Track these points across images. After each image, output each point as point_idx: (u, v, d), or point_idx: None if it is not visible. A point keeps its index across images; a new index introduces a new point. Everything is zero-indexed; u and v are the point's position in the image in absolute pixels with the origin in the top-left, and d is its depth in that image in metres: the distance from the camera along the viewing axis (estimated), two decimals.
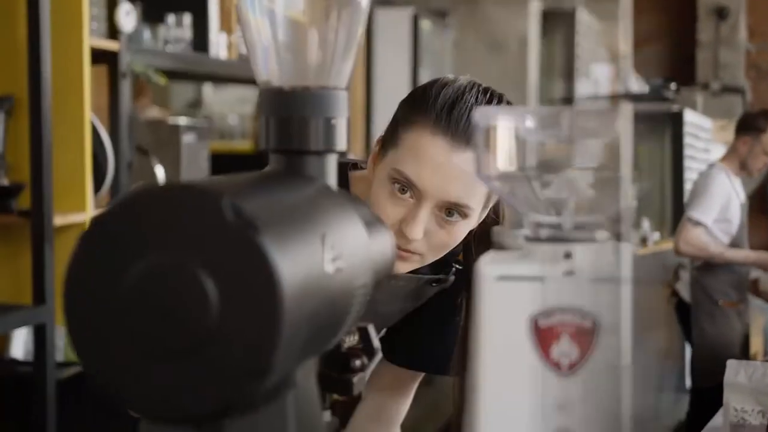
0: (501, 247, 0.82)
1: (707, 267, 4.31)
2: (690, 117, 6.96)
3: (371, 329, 0.91)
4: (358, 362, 0.84)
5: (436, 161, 1.22)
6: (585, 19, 7.45)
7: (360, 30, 0.85)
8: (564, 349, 0.68)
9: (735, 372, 1.97)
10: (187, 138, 3.01)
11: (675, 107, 6.60)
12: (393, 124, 1.30)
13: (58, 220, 2.41)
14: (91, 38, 2.54)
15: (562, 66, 7.33)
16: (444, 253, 1.30)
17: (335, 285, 0.69)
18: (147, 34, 2.94)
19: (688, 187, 7.09)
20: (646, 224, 6.30)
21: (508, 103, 1.29)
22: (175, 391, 0.62)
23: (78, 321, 0.63)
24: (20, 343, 2.63)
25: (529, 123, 0.71)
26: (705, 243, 4.21)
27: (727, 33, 9.28)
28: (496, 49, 5.40)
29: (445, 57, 5.37)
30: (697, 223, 4.17)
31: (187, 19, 3.04)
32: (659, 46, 7.83)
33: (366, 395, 1.49)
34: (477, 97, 1.25)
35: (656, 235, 6.12)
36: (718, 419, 2.12)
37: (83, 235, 0.63)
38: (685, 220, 4.23)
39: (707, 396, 4.25)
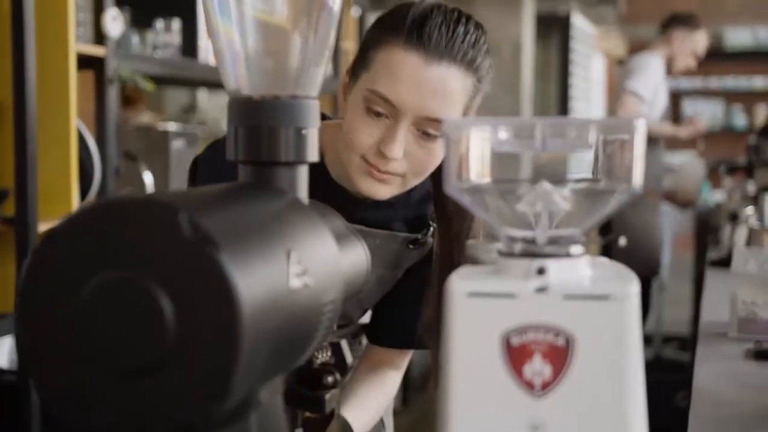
0: (475, 262, 0.80)
1: None
2: (577, 21, 7.05)
3: (344, 344, 0.88)
4: (330, 379, 0.82)
5: (410, 76, 1.21)
6: (579, 24, 7.44)
7: (332, 36, 0.83)
8: (537, 368, 0.65)
9: (744, 261, 1.85)
10: (177, 144, 2.98)
11: (563, 10, 6.69)
12: (362, 50, 1.28)
13: (43, 227, 2.38)
14: (78, 44, 2.52)
15: (558, 68, 7.34)
16: (424, 176, 1.27)
17: (301, 301, 0.67)
18: (135, 39, 2.91)
19: (572, 93, 7.26)
20: None
21: (478, 26, 1.27)
22: (132, 412, 0.60)
23: (31, 339, 0.61)
24: (5, 352, 2.61)
25: (502, 134, 0.69)
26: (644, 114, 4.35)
27: None
28: (490, 54, 5.37)
29: None
30: (636, 95, 4.27)
31: (176, 24, 3.01)
32: None
33: (360, 368, 1.47)
34: (446, 15, 1.24)
35: None
36: (720, 315, 1.98)
37: (36, 248, 0.60)
38: (624, 94, 4.31)
39: None
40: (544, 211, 0.69)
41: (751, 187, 4.07)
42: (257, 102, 0.79)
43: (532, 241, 0.69)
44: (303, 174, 0.80)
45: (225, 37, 0.80)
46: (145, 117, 4.12)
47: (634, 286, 0.66)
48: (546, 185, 0.70)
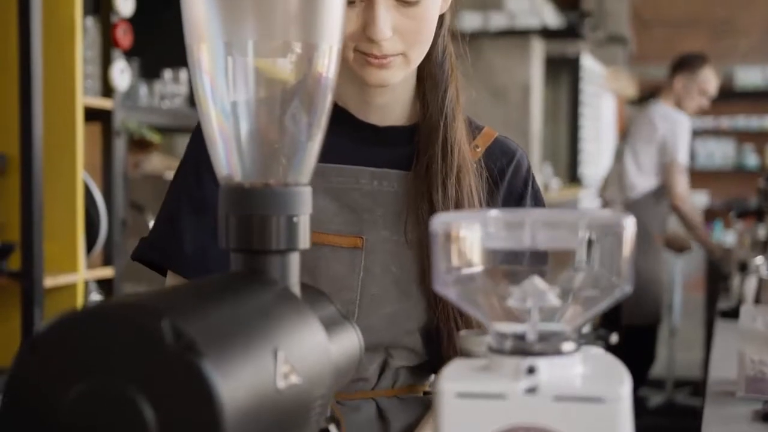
0: (466, 354, 0.79)
1: (641, 200, 4.35)
2: (587, 62, 7.07)
3: (333, 429, 0.87)
4: None
5: None
6: (589, 65, 7.47)
7: (324, 119, 0.82)
8: None
9: (751, 318, 1.81)
10: None
11: (572, 52, 6.70)
12: None
13: (49, 282, 2.38)
14: (85, 97, 2.53)
15: (567, 110, 7.35)
16: (425, 44, 1.18)
17: (289, 400, 0.66)
18: (143, 89, 2.93)
19: (582, 135, 7.26)
20: (548, 169, 6.34)
21: None
22: None
23: None
24: None
25: (491, 229, 0.68)
26: (695, 208, 4.39)
27: None
28: (499, 97, 5.40)
29: None
30: (685, 167, 4.29)
31: (184, 74, 3.03)
32: None
33: None
34: None
35: (557, 182, 6.20)
36: (729, 372, 1.93)
37: (19, 355, 0.60)
38: (676, 167, 4.28)
39: (635, 334, 4.27)
40: (534, 308, 0.68)
41: (762, 231, 4.04)
42: (248, 190, 0.78)
43: (522, 338, 0.68)
44: (294, 261, 0.80)
45: (217, 124, 0.80)
46: (156, 160, 4.14)
47: (626, 387, 0.65)
48: (537, 281, 0.69)
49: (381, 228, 1.22)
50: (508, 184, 1.29)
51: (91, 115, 2.61)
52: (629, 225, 0.66)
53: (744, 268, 3.28)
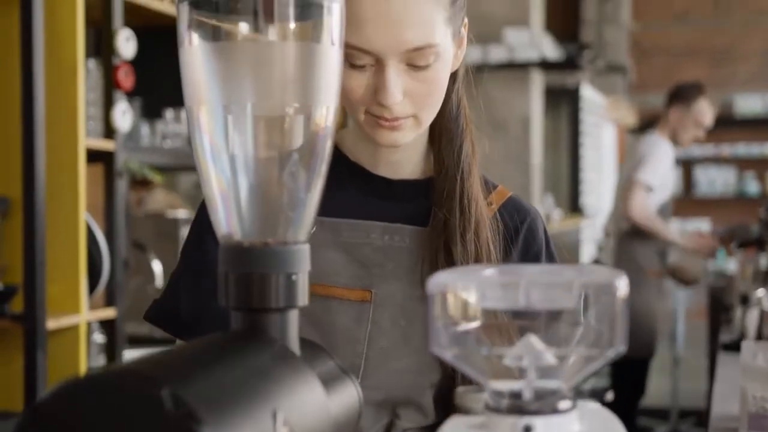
0: (464, 411, 0.80)
1: (634, 233, 4.32)
2: (587, 93, 7.10)
3: None
4: None
5: (372, 15, 1.10)
6: (588, 95, 7.50)
7: (321, 179, 0.83)
8: None
9: (752, 354, 1.80)
10: (186, 231, 2.99)
11: (572, 83, 6.72)
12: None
13: (52, 324, 2.39)
14: (88, 138, 2.55)
15: (568, 140, 7.38)
16: (435, 106, 1.17)
17: None
18: (145, 129, 2.95)
19: (583, 164, 7.27)
20: (549, 200, 6.34)
21: None
22: None
23: None
24: None
25: (486, 289, 0.69)
26: (653, 215, 4.30)
27: (611, 11, 9.46)
28: (499, 129, 5.42)
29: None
30: (646, 186, 4.24)
31: (185, 114, 3.05)
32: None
33: None
34: None
35: (558, 212, 6.20)
36: (732, 408, 1.93)
37: (20, 423, 0.61)
38: (634, 185, 4.26)
39: (629, 368, 4.25)
40: (531, 366, 0.69)
41: (764, 261, 4.04)
42: (247, 249, 0.79)
43: (518, 396, 0.69)
44: (293, 318, 0.81)
45: (216, 183, 0.81)
46: (159, 197, 4.15)
47: None
48: (533, 339, 0.70)
49: (392, 282, 1.21)
50: (523, 244, 1.28)
51: (93, 156, 2.63)
52: (622, 285, 0.67)
53: (745, 300, 3.28)
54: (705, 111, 4.50)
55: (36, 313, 2.33)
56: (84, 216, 2.50)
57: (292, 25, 0.78)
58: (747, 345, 1.90)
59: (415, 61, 1.13)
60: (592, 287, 0.68)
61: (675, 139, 4.48)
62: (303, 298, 0.80)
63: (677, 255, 4.70)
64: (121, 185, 2.68)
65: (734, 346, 2.84)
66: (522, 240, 1.28)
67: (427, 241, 1.22)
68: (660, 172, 4.30)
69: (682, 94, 4.47)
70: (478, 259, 1.19)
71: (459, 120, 1.26)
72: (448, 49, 1.16)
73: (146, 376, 0.60)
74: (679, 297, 5.84)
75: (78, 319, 2.49)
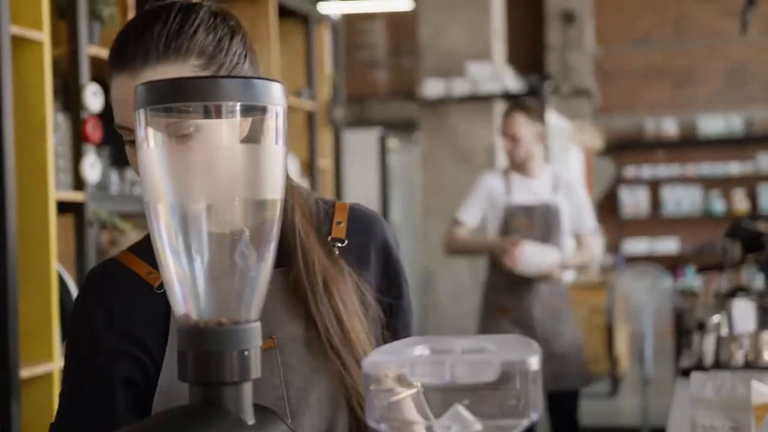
0: None
1: (489, 280, 4.12)
2: (551, 119, 7.24)
3: None
4: None
5: (125, 95, 1.17)
6: (553, 121, 7.64)
7: (269, 264, 0.91)
8: None
9: (701, 385, 1.88)
10: None
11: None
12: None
13: (25, 373, 2.45)
14: (57, 191, 2.62)
15: None
16: None
17: None
18: (114, 177, 3.02)
19: None
20: None
21: (180, 11, 1.20)
22: None
23: None
24: None
25: (416, 368, 0.77)
26: (459, 237, 4.05)
27: (575, 36, 9.65)
28: (464, 159, 5.52)
29: (413, 169, 5.50)
30: (456, 222, 4.08)
31: None
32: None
33: None
34: (140, 21, 1.20)
35: None
36: None
37: None
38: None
39: (558, 399, 4.20)
40: None
41: (725, 283, 4.14)
42: (203, 329, 0.87)
43: None
44: (247, 390, 0.88)
45: (174, 269, 0.89)
46: (131, 237, 4.20)
47: None
48: (460, 409, 0.78)
49: (288, 324, 1.27)
50: (382, 254, 1.34)
51: (64, 207, 2.69)
52: (534, 361, 0.75)
53: (702, 326, 3.37)
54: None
55: (9, 362, 2.39)
56: (55, 266, 2.57)
57: (239, 128, 0.87)
58: (696, 376, 1.98)
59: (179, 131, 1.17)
60: (509, 364, 0.76)
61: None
62: (256, 370, 0.88)
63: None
64: (91, 235, 2.74)
65: (691, 372, 2.92)
66: (374, 247, 1.34)
67: (291, 284, 1.27)
68: (471, 203, 4.08)
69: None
70: (336, 313, 1.25)
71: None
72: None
73: None
74: (646, 317, 5.95)
75: (52, 367, 2.55)
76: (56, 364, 2.57)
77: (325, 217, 1.32)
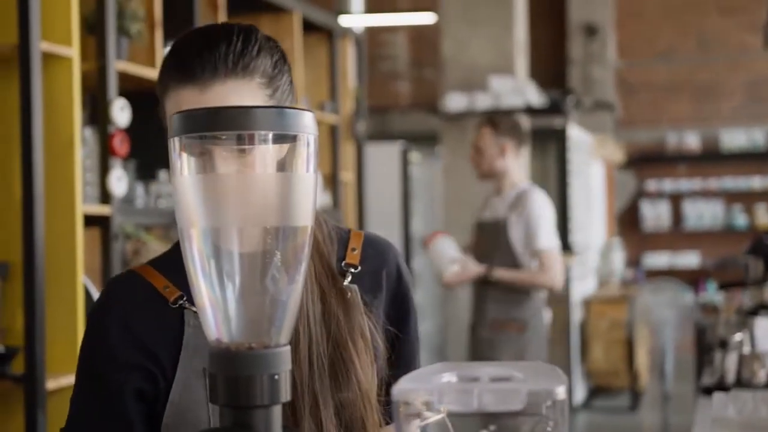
0: None
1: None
2: (573, 132, 7.24)
3: None
4: None
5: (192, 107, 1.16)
6: (575, 135, 7.63)
7: (299, 289, 0.93)
8: None
9: (723, 405, 1.88)
10: None
11: (558, 124, 6.83)
12: (160, 106, 1.26)
13: (51, 384, 2.48)
14: (85, 204, 2.65)
15: (556, 179, 7.50)
16: None
17: None
18: (140, 190, 3.05)
19: (571, 203, 7.34)
20: None
21: (241, 32, 1.23)
22: None
23: None
24: None
25: (444, 395, 0.79)
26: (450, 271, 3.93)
27: (597, 50, 9.62)
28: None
29: (435, 182, 5.51)
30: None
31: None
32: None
33: None
34: (204, 36, 1.22)
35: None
36: None
37: None
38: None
39: None
40: None
41: (747, 300, 4.12)
42: (234, 353, 0.89)
43: None
44: (277, 413, 0.90)
45: (206, 295, 0.91)
46: (154, 247, 4.24)
47: None
48: None
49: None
50: (394, 280, 1.36)
51: (90, 220, 2.72)
52: (561, 391, 0.77)
53: (724, 344, 3.36)
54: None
55: (36, 374, 2.42)
56: (82, 279, 2.60)
57: (271, 157, 0.89)
58: (718, 396, 1.99)
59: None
60: (536, 394, 0.77)
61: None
62: (286, 394, 0.90)
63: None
64: (117, 248, 2.77)
65: (713, 390, 2.91)
66: (386, 275, 1.36)
67: None
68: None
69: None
70: (332, 335, 1.26)
71: None
72: None
73: None
74: (667, 334, 5.94)
75: None
76: None
77: (339, 244, 1.34)
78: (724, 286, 4.57)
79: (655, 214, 10.29)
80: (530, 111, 5.57)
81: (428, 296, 6.42)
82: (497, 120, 4.12)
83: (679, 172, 10.25)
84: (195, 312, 1.25)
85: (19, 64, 2.48)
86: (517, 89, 5.46)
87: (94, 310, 1.31)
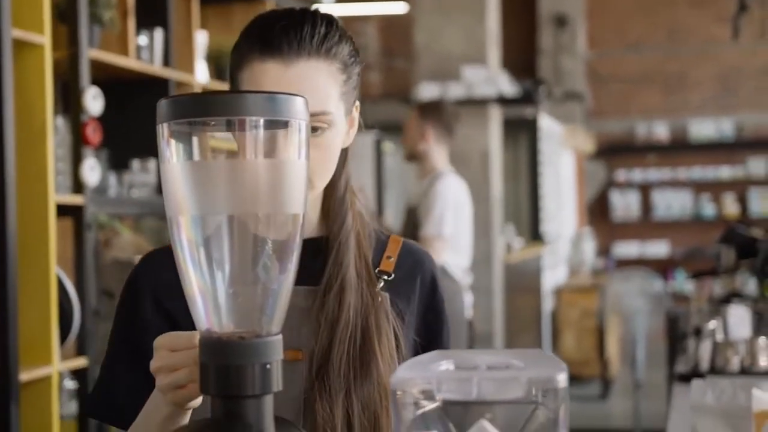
0: None
1: None
2: (544, 122, 7.29)
3: None
4: None
5: (273, 82, 1.20)
6: (546, 125, 7.66)
7: (291, 278, 0.92)
8: None
9: (702, 392, 1.88)
10: None
11: (530, 113, 6.88)
12: (231, 78, 1.28)
13: (24, 376, 2.44)
14: (57, 194, 2.61)
15: (527, 169, 7.53)
16: (327, 172, 1.25)
17: None
18: (113, 180, 3.01)
19: (542, 193, 7.41)
20: (510, 230, 6.48)
21: (324, 18, 1.26)
22: None
23: None
24: None
25: (443, 383, 0.78)
26: None
27: (568, 41, 9.69)
28: (459, 164, 5.52)
29: (408, 173, 5.50)
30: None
31: (152, 163, 3.12)
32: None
33: None
34: (290, 16, 1.25)
35: (519, 241, 6.28)
36: None
37: None
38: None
39: None
40: None
41: (719, 289, 4.14)
42: (225, 343, 0.88)
43: None
44: (269, 402, 0.89)
45: (196, 284, 0.89)
46: (125, 237, 4.20)
47: None
48: (485, 424, 0.79)
49: (315, 341, 1.26)
50: (428, 289, 1.36)
51: (63, 210, 2.69)
52: (562, 379, 0.76)
53: (698, 332, 3.38)
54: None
55: (9, 366, 2.39)
56: (54, 269, 2.56)
57: (262, 143, 0.87)
58: (697, 383, 1.99)
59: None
60: (537, 381, 0.76)
61: None
62: (277, 383, 0.89)
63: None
64: (90, 238, 2.74)
65: (689, 378, 2.93)
66: (420, 285, 1.35)
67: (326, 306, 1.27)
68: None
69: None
70: (336, 318, 1.25)
71: (345, 200, 1.32)
72: (341, 122, 1.26)
73: None
74: (638, 323, 5.97)
75: (50, 370, 2.55)
76: (55, 367, 2.57)
77: (376, 249, 1.34)
78: (696, 275, 4.60)
79: (624, 204, 10.35)
80: (502, 101, 5.57)
81: None
82: (424, 105, 4.23)
83: (648, 162, 10.31)
84: None
85: None
86: (490, 79, 5.45)
87: (127, 284, 1.32)
